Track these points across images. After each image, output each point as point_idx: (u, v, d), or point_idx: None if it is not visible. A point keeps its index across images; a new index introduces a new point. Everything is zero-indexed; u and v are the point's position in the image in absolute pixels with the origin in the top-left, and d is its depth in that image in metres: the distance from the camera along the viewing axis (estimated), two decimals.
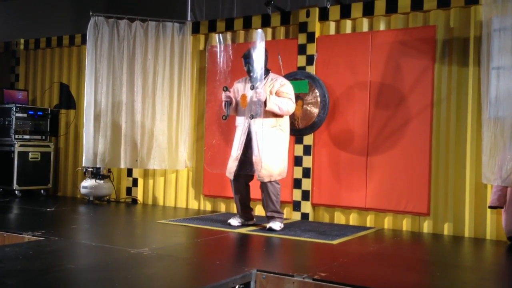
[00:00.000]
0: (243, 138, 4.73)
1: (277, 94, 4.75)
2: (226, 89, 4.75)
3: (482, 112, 4.67)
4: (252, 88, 4.63)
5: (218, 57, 4.96)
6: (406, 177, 5.18)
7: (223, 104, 4.80)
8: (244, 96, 4.72)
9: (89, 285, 2.90)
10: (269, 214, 4.90)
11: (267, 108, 4.63)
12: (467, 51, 5.01)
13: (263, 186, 4.80)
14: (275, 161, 4.72)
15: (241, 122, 4.84)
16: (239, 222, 5.01)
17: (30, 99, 7.78)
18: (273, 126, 4.75)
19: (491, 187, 4.65)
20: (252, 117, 4.65)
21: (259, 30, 4.78)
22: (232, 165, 4.82)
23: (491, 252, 4.43)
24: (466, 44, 5.02)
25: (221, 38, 5.02)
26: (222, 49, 4.96)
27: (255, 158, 4.64)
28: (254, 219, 5.15)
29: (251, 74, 4.72)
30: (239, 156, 4.76)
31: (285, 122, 4.87)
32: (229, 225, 4.94)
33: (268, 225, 4.84)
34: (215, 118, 5.58)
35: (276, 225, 4.82)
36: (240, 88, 4.89)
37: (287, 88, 4.80)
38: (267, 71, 4.86)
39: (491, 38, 4.59)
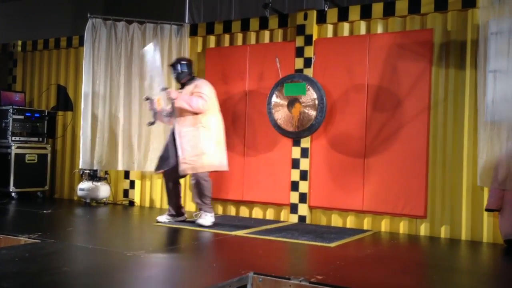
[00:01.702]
0: (170, 138, 5.18)
1: (191, 94, 5.13)
2: (147, 98, 5.25)
3: (479, 115, 4.67)
4: (163, 89, 5.11)
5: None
6: (403, 180, 5.18)
7: (154, 113, 5.23)
8: (158, 99, 5.22)
9: None
10: (197, 201, 5.21)
11: (176, 105, 5.02)
12: (464, 54, 5.02)
13: (192, 181, 5.12)
14: (200, 156, 5.00)
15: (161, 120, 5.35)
16: (166, 218, 5.27)
17: (27, 101, 7.76)
18: (194, 124, 5.04)
19: (488, 190, 4.66)
20: (168, 115, 5.15)
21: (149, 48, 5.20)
22: (162, 162, 5.22)
23: (488, 255, 4.44)
24: (463, 47, 5.03)
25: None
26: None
27: (179, 156, 5.03)
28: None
29: (178, 80, 5.28)
30: (161, 153, 5.23)
31: (208, 120, 5.11)
32: (157, 222, 5.21)
33: (197, 221, 5.11)
34: None
35: (205, 220, 5.08)
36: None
37: (201, 88, 5.14)
38: (192, 78, 5.27)
39: (488, 41, 4.61)
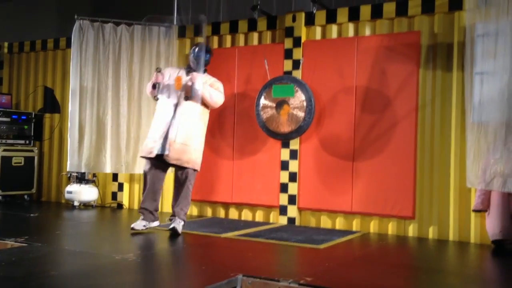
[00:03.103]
0: (168, 120, 4.73)
1: (208, 85, 4.90)
2: (159, 70, 4.90)
3: (466, 116, 4.71)
4: (188, 72, 4.83)
5: None
6: (391, 181, 5.21)
7: (154, 85, 4.86)
8: (179, 78, 4.77)
9: None
10: (177, 210, 4.81)
11: (200, 93, 4.73)
12: (451, 56, 5.06)
13: (183, 175, 4.76)
14: (191, 148, 4.73)
15: (165, 103, 4.84)
16: (144, 226, 4.81)
17: (13, 103, 7.69)
18: (200, 113, 4.83)
19: (475, 191, 4.70)
20: (186, 98, 4.73)
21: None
22: (154, 144, 4.72)
23: (476, 255, 4.47)
24: (450, 49, 5.07)
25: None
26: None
27: (171, 140, 4.65)
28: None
29: (199, 67, 4.86)
30: (163, 134, 4.70)
31: (207, 117, 4.97)
32: (132, 229, 4.76)
33: (172, 225, 4.72)
34: None
35: (180, 226, 4.75)
36: (172, 74, 4.94)
37: (220, 85, 4.99)
38: (205, 70, 4.98)
39: (475, 43, 4.65)
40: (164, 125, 4.74)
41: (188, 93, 4.74)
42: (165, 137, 4.70)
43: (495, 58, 4.50)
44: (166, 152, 4.65)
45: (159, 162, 4.76)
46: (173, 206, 4.88)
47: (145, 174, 4.83)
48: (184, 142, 4.71)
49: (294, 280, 3.06)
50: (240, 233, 4.89)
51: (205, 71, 4.99)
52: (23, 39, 7.72)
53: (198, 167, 4.87)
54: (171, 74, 4.96)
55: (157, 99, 4.91)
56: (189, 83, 4.77)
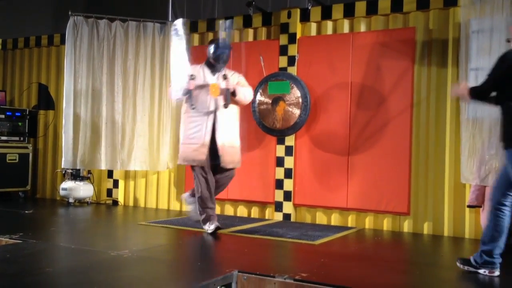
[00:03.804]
0: (210, 123, 4.59)
1: (237, 83, 4.75)
2: (193, 77, 4.62)
3: (461, 112, 4.74)
4: (225, 77, 4.62)
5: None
6: (386, 177, 5.22)
7: (186, 92, 4.63)
8: (215, 86, 4.56)
9: None
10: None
11: (236, 97, 4.61)
12: (446, 52, 5.07)
13: (225, 174, 4.72)
14: (237, 149, 4.73)
15: (201, 108, 4.63)
16: (215, 225, 4.66)
17: (8, 99, 7.66)
18: (236, 113, 4.75)
19: (470, 187, 4.71)
20: (226, 106, 4.60)
21: (227, 21, 4.74)
22: (199, 152, 4.57)
23: (470, 251, 4.48)
24: (445, 46, 5.08)
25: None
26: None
27: (221, 145, 4.57)
28: None
29: (219, 62, 4.67)
30: (207, 143, 4.57)
31: (239, 112, 4.86)
32: (210, 234, 4.62)
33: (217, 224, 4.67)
34: None
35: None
36: (198, 75, 4.69)
37: (245, 80, 4.86)
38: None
39: (469, 39, 4.67)
40: (206, 131, 4.59)
41: (226, 101, 4.60)
42: (212, 143, 4.59)
43: (489, 54, 4.51)
44: (220, 162, 4.59)
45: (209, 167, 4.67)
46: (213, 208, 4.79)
47: (199, 173, 4.67)
48: (232, 145, 4.68)
49: (289, 276, 3.06)
50: (235, 229, 4.89)
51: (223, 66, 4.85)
52: (17, 35, 7.68)
53: (235, 165, 4.80)
54: (197, 76, 4.68)
55: (194, 108, 4.63)
56: (224, 87, 4.61)
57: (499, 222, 3.33)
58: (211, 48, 4.70)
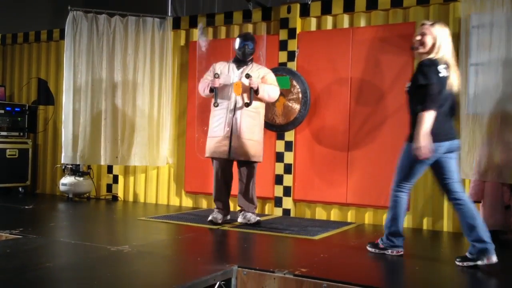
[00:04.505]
0: (231, 116, 4.71)
1: (263, 80, 4.80)
2: (218, 76, 4.74)
3: (461, 108, 4.73)
4: (248, 76, 4.66)
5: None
6: (386, 173, 5.19)
7: (210, 90, 4.78)
8: (238, 84, 4.67)
9: (68, 283, 2.87)
10: (242, 204, 4.91)
11: (259, 96, 4.69)
12: None
13: (249, 169, 4.80)
14: (256, 142, 4.77)
15: (224, 105, 4.77)
16: (220, 218, 4.86)
17: (7, 95, 7.64)
18: (257, 107, 4.77)
19: (470, 182, 4.71)
20: (247, 105, 4.67)
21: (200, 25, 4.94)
22: (221, 144, 4.72)
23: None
24: None
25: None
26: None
27: (236, 136, 4.68)
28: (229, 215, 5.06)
29: (244, 57, 4.79)
30: (229, 134, 4.69)
31: (263, 107, 4.91)
32: (211, 223, 4.81)
33: (245, 219, 4.86)
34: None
35: (253, 217, 4.87)
36: (223, 70, 4.84)
37: (273, 76, 4.90)
38: (251, 60, 4.92)
39: (470, 34, 4.65)
40: (226, 123, 4.71)
41: (249, 99, 4.69)
42: (230, 137, 4.70)
43: (490, 50, 4.51)
44: (232, 155, 4.71)
45: (227, 161, 4.80)
46: (239, 200, 4.95)
47: (217, 165, 4.83)
48: (250, 138, 4.72)
49: (289, 271, 3.07)
50: (235, 225, 4.89)
51: (251, 60, 4.92)
52: (17, 30, 7.66)
53: (261, 159, 4.88)
54: (222, 71, 4.84)
55: (217, 105, 4.76)
56: (248, 86, 4.67)
57: (397, 204, 3.69)
58: (236, 42, 4.85)
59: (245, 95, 4.72)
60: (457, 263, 3.50)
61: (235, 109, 4.71)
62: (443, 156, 3.54)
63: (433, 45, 3.51)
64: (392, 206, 3.73)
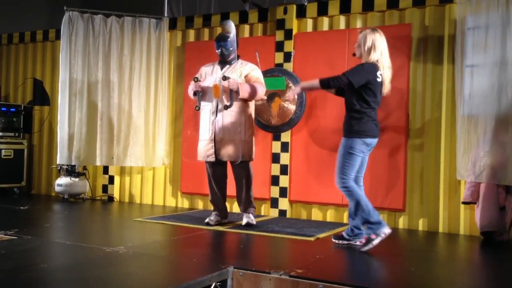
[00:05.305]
0: (213, 118, 4.68)
1: (247, 78, 4.74)
2: (197, 79, 4.76)
3: (456, 109, 4.75)
4: (224, 78, 4.59)
5: None
6: (382, 174, 5.23)
7: (194, 94, 4.78)
8: (216, 87, 4.61)
9: (63, 284, 2.86)
10: (239, 204, 4.92)
11: (240, 97, 4.61)
12: (441, 49, 5.07)
13: (240, 169, 4.76)
14: (236, 142, 4.69)
15: (206, 104, 4.77)
16: (217, 221, 4.89)
17: (2, 95, 7.62)
18: (240, 107, 4.69)
19: (465, 183, 4.73)
20: (226, 107, 4.61)
21: (230, 22, 4.82)
22: (208, 147, 4.72)
23: (465, 247, 4.51)
24: (440, 42, 5.08)
25: None
26: None
27: (219, 138, 4.65)
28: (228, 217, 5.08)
29: (224, 58, 4.73)
30: (212, 136, 4.68)
31: (250, 105, 4.83)
32: (207, 225, 4.83)
33: (245, 221, 4.85)
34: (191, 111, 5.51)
35: (252, 219, 4.88)
36: (208, 72, 4.83)
37: (257, 72, 4.82)
38: (237, 57, 4.86)
39: (465, 36, 4.67)
40: (209, 127, 4.71)
41: (228, 101, 4.62)
42: (214, 139, 4.68)
43: (485, 51, 4.52)
44: (218, 157, 4.69)
45: (217, 163, 4.80)
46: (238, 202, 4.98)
47: (209, 168, 4.84)
48: (232, 138, 4.65)
49: (285, 272, 3.07)
50: (231, 226, 4.89)
51: (238, 57, 4.85)
52: (12, 30, 7.64)
53: (252, 157, 4.84)
54: (207, 72, 4.83)
55: (198, 109, 4.76)
56: (227, 89, 4.61)
57: (353, 196, 3.91)
58: (217, 44, 4.76)
59: (226, 97, 4.66)
60: (333, 239, 4.15)
61: (217, 111, 4.68)
62: (368, 152, 4.04)
63: (365, 51, 3.99)
64: (349, 196, 3.97)
